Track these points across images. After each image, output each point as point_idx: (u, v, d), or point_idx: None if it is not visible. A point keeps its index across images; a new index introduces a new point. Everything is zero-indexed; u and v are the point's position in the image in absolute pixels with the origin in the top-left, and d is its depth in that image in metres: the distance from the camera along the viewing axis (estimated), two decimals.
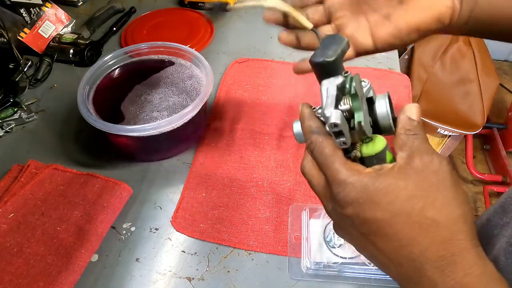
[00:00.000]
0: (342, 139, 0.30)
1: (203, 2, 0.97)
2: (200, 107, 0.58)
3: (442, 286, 0.26)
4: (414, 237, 0.27)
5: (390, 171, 0.29)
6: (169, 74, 0.67)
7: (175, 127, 0.57)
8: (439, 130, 1.46)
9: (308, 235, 0.53)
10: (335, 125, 0.29)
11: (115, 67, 0.68)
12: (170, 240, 0.55)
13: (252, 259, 0.53)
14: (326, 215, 0.54)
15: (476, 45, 1.37)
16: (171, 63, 0.68)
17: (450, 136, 1.50)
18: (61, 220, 0.53)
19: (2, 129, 0.69)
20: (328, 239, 0.52)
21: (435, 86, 1.42)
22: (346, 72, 0.32)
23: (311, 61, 0.32)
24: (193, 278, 0.51)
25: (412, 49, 1.47)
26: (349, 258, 0.50)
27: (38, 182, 0.57)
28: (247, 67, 0.81)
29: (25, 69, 0.80)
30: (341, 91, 0.31)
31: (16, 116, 0.72)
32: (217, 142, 0.66)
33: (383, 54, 0.84)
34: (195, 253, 0.53)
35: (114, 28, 0.91)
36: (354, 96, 0.31)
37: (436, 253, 0.26)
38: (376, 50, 0.43)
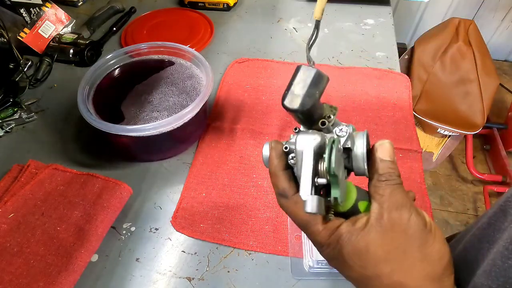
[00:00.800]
0: (316, 213, 0.29)
1: (203, 2, 0.97)
2: (200, 107, 0.58)
3: None
4: None
5: (361, 231, 0.29)
6: (169, 74, 0.67)
7: (175, 127, 0.57)
8: (439, 130, 1.46)
9: None
10: (311, 213, 0.28)
11: (115, 67, 0.68)
12: (170, 240, 0.55)
13: (252, 259, 0.53)
14: None
15: (476, 45, 1.37)
16: (171, 63, 0.68)
17: (450, 136, 1.50)
18: (61, 220, 0.53)
19: (2, 129, 0.69)
20: None
21: (435, 86, 1.41)
22: (324, 123, 0.30)
23: (283, 104, 0.29)
24: (193, 278, 0.51)
25: (412, 49, 1.47)
26: None
27: (38, 182, 0.57)
28: (247, 67, 0.81)
29: (25, 69, 0.80)
30: (319, 153, 0.29)
31: (16, 116, 0.72)
32: (217, 142, 0.66)
33: (383, 54, 0.85)
34: (195, 253, 0.53)
35: (114, 28, 0.91)
36: (334, 179, 0.28)
37: None
38: None
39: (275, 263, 0.52)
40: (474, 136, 1.60)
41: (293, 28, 0.92)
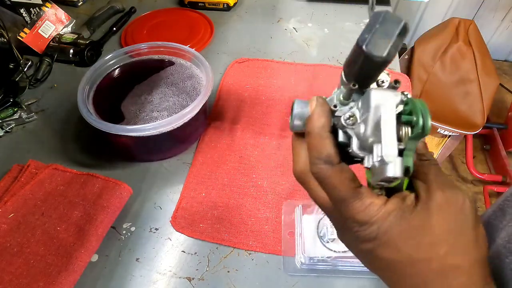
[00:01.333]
0: (384, 183, 0.26)
1: (203, 2, 0.97)
2: (200, 107, 0.58)
3: None
4: (432, 281, 0.26)
5: (413, 209, 0.26)
6: (169, 74, 0.67)
7: (175, 127, 0.57)
8: (439, 130, 1.46)
9: (302, 231, 0.54)
10: (395, 178, 0.24)
11: (115, 67, 0.68)
12: (170, 240, 0.55)
13: (252, 259, 0.53)
14: (319, 210, 0.54)
15: (476, 45, 1.37)
16: (171, 63, 0.68)
17: (450, 136, 1.50)
18: (61, 220, 0.53)
19: (2, 129, 0.69)
20: (321, 234, 0.53)
21: (435, 86, 1.42)
22: (397, 82, 0.26)
23: (360, 47, 0.24)
24: (193, 278, 0.51)
25: (412, 49, 1.48)
26: (342, 252, 0.51)
27: (38, 182, 0.57)
28: (247, 67, 0.81)
29: (25, 69, 0.80)
30: (397, 118, 0.25)
31: (16, 116, 0.72)
32: (217, 142, 0.66)
33: None
34: (195, 253, 0.53)
35: (114, 28, 0.91)
36: (417, 136, 0.24)
37: None
38: None
39: (275, 263, 0.52)
40: (474, 136, 1.60)
41: (293, 28, 0.92)
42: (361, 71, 0.26)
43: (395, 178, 0.24)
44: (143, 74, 0.67)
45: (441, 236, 0.26)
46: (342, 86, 0.29)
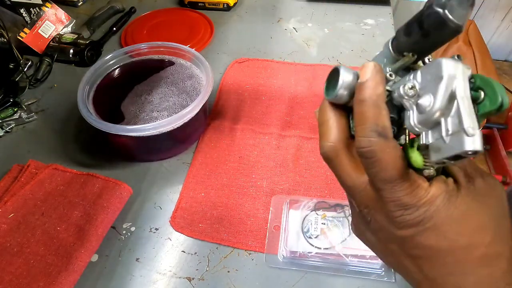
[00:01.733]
0: (454, 161, 0.23)
1: (203, 2, 0.97)
2: (200, 107, 0.58)
3: None
4: (473, 269, 0.25)
5: (458, 193, 0.25)
6: (169, 74, 0.67)
7: (175, 127, 0.57)
8: None
9: (287, 225, 0.54)
10: (475, 152, 0.21)
11: (115, 67, 0.68)
12: (170, 240, 0.55)
13: (252, 259, 0.53)
14: (306, 206, 0.55)
15: (476, 45, 1.37)
16: (171, 63, 0.68)
17: None
18: (61, 220, 0.53)
19: (2, 129, 0.70)
20: (305, 230, 0.53)
21: None
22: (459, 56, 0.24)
23: (436, 11, 0.22)
24: (193, 278, 0.51)
25: None
26: (324, 248, 0.51)
27: (38, 182, 0.57)
28: (247, 67, 0.81)
29: (25, 69, 0.80)
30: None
31: (16, 116, 0.72)
32: (216, 142, 0.66)
33: None
34: (195, 253, 0.53)
35: (114, 28, 0.91)
36: (488, 114, 0.22)
37: (492, 284, 0.25)
38: None
39: (274, 263, 0.52)
40: None
41: (293, 28, 0.92)
42: (427, 40, 0.24)
43: (474, 153, 0.21)
44: (143, 74, 0.67)
45: (486, 223, 0.25)
46: (386, 59, 0.27)
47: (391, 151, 0.24)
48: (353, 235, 0.53)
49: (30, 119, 0.72)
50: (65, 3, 0.99)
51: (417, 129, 0.24)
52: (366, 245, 0.31)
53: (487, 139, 1.76)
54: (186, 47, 0.67)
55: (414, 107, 0.24)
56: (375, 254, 0.31)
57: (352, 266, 0.50)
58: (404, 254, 0.27)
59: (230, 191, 0.59)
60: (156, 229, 0.56)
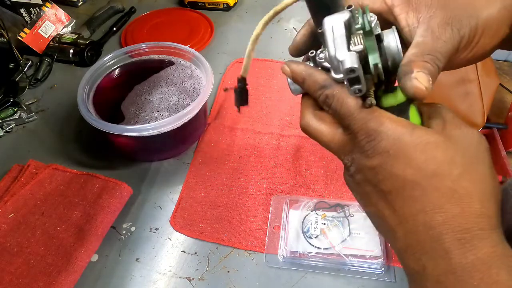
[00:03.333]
0: (357, 86, 0.27)
1: (203, 2, 0.97)
2: (200, 107, 0.58)
3: (458, 259, 0.24)
4: (442, 204, 0.25)
5: (428, 129, 0.27)
6: (169, 74, 0.67)
7: (175, 127, 0.57)
8: None
9: (287, 225, 0.54)
10: (352, 70, 0.26)
11: (115, 67, 0.68)
12: (170, 240, 0.55)
13: (252, 259, 0.53)
14: (306, 206, 0.55)
15: None
16: (171, 63, 0.68)
17: None
18: (61, 220, 0.53)
19: (2, 129, 0.70)
20: (305, 230, 0.53)
21: (435, 86, 1.41)
22: (350, 6, 0.28)
23: None
24: (193, 278, 0.51)
25: None
26: (324, 248, 0.52)
27: (38, 182, 0.57)
28: None
29: (25, 69, 0.80)
30: (349, 30, 0.28)
31: (16, 116, 0.72)
32: (216, 142, 0.66)
33: None
34: (195, 253, 0.53)
35: (114, 28, 0.91)
36: (368, 34, 0.27)
37: (462, 224, 0.24)
38: None
39: (274, 263, 0.52)
40: None
41: (293, 28, 0.92)
42: (311, 12, 0.32)
43: (352, 70, 0.26)
44: (143, 74, 0.67)
45: (456, 158, 0.25)
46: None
47: (342, 89, 0.28)
48: (353, 235, 0.53)
49: (30, 119, 0.72)
50: (65, 3, 0.99)
51: (339, 77, 0.29)
52: (354, 195, 0.31)
53: (487, 139, 1.75)
54: (186, 47, 0.67)
55: (329, 64, 0.30)
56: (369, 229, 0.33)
57: (352, 266, 0.50)
58: (378, 194, 0.28)
59: (230, 191, 0.59)
60: (156, 229, 0.56)
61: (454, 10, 0.29)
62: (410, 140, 0.26)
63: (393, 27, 0.29)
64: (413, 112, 0.29)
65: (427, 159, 0.25)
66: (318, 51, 0.31)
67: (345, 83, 0.28)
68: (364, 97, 0.28)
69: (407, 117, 0.28)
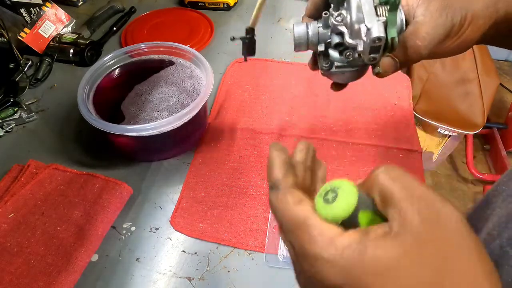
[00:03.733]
0: (375, 55, 0.28)
1: (203, 2, 0.97)
2: (200, 107, 0.58)
3: None
4: None
5: (381, 239, 0.20)
6: (169, 74, 0.67)
7: (175, 127, 0.57)
8: (439, 130, 1.46)
9: None
10: (379, 38, 0.27)
11: (115, 67, 0.68)
12: (170, 240, 0.55)
13: (252, 259, 0.53)
14: None
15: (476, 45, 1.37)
16: (171, 63, 0.68)
17: (450, 136, 1.50)
18: (61, 220, 0.53)
19: (2, 129, 0.70)
20: None
21: (435, 85, 1.42)
22: None
23: None
24: (193, 278, 0.51)
25: None
26: None
27: (38, 182, 0.57)
28: (247, 67, 0.81)
29: (25, 69, 0.80)
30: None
31: (16, 116, 0.72)
32: (217, 142, 0.66)
33: None
34: (195, 253, 0.53)
35: (114, 28, 0.91)
36: (393, 8, 0.28)
37: None
38: None
39: (274, 263, 0.52)
40: (474, 136, 1.60)
41: None
42: None
43: (379, 39, 0.27)
44: (143, 74, 0.67)
45: (424, 278, 0.19)
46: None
47: (283, 198, 0.24)
48: None
49: (30, 119, 0.72)
50: (65, 3, 0.99)
51: (353, 42, 0.30)
52: None
53: (487, 139, 1.76)
54: (186, 47, 0.67)
55: (345, 28, 0.32)
56: None
57: None
58: None
59: (230, 191, 0.59)
60: (156, 229, 0.56)
61: None
62: (361, 267, 0.19)
63: (400, 6, 0.31)
64: (362, 216, 0.23)
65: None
66: (335, 13, 0.32)
67: (358, 48, 0.29)
68: (373, 66, 0.30)
69: (357, 225, 0.23)
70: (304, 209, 0.23)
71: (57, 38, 0.84)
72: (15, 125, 0.71)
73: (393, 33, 0.29)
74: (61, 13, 0.90)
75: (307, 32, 0.36)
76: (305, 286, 0.24)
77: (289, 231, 0.23)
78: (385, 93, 0.74)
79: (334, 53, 0.35)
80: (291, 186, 0.25)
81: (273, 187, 0.25)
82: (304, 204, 0.23)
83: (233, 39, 0.38)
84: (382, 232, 0.20)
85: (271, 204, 0.25)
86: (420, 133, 1.51)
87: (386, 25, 0.29)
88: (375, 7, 0.29)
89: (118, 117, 0.60)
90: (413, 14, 0.32)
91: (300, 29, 0.36)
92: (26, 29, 0.83)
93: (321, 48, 0.36)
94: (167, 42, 0.68)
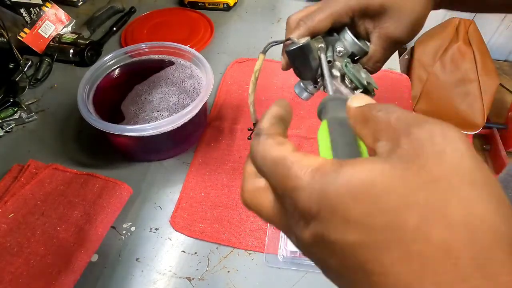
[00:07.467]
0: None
1: (203, 2, 0.97)
2: (200, 107, 0.58)
3: None
4: (410, 283, 0.15)
5: (362, 161, 0.17)
6: (169, 74, 0.67)
7: (175, 127, 0.57)
8: None
9: None
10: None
11: (115, 67, 0.68)
12: (170, 240, 0.55)
13: (252, 259, 0.53)
14: None
15: (476, 45, 1.37)
16: (171, 63, 0.68)
17: None
18: (61, 220, 0.53)
19: (2, 129, 0.70)
20: None
21: (435, 86, 1.42)
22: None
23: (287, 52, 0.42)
24: (193, 278, 0.51)
25: (412, 49, 1.48)
26: None
27: (38, 182, 0.57)
28: (247, 67, 0.81)
29: (25, 69, 0.80)
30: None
31: (16, 116, 0.72)
32: (216, 142, 0.66)
33: None
34: (195, 253, 0.53)
35: (114, 28, 0.91)
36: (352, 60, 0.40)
37: None
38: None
39: (274, 263, 0.52)
40: (474, 136, 1.60)
41: None
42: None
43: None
44: (143, 74, 0.67)
45: (409, 197, 0.16)
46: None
47: (265, 141, 0.23)
48: None
49: (30, 119, 0.72)
50: (65, 3, 0.99)
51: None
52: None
53: (487, 139, 1.76)
54: (186, 47, 0.67)
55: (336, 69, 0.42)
56: None
57: None
58: (333, 272, 0.19)
59: (230, 191, 0.59)
60: (156, 229, 0.56)
61: None
62: (335, 186, 0.17)
63: (345, 27, 0.40)
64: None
65: (369, 212, 0.16)
66: (336, 45, 0.42)
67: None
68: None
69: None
70: (285, 148, 0.21)
71: (57, 38, 0.84)
72: (15, 125, 0.71)
73: (369, 79, 0.36)
74: (61, 13, 0.90)
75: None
76: (289, 228, 0.21)
77: (270, 172, 0.21)
78: (385, 94, 0.74)
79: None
80: (275, 133, 0.23)
81: (257, 134, 0.23)
82: (285, 145, 0.22)
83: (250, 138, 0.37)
84: (368, 159, 0.18)
85: (251, 150, 0.23)
86: None
87: (354, 78, 0.37)
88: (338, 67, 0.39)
89: (118, 117, 0.60)
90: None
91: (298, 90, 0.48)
92: (26, 29, 0.83)
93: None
94: (167, 42, 0.68)
